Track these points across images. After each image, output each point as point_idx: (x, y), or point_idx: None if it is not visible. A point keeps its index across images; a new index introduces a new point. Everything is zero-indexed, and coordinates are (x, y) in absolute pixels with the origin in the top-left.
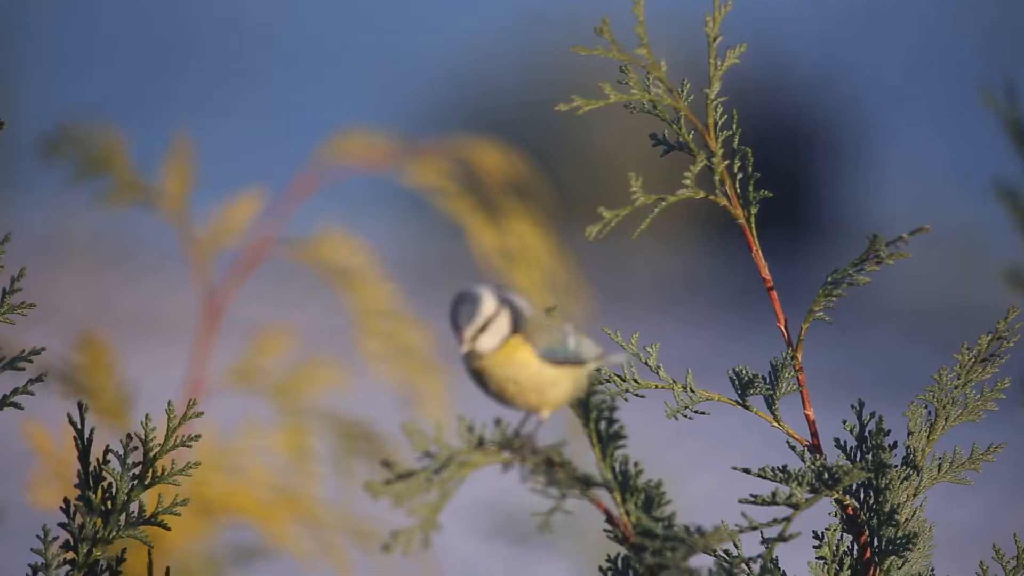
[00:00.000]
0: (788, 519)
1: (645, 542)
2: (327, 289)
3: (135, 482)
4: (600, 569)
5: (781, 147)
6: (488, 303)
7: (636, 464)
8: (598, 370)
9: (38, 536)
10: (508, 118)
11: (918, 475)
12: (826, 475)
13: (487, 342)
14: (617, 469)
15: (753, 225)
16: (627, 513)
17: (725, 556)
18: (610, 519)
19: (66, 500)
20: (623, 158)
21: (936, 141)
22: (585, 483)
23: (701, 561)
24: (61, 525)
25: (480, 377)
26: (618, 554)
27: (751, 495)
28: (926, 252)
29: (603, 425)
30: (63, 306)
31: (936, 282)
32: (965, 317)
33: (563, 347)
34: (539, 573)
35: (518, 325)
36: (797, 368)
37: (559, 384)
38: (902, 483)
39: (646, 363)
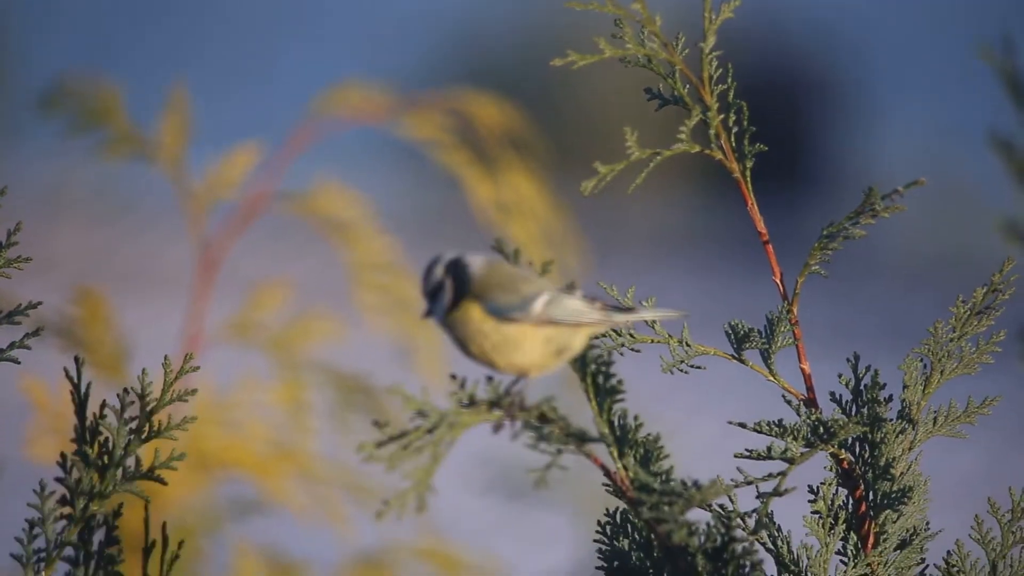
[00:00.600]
0: (783, 473)
1: (642, 496)
2: (324, 242)
3: (132, 437)
4: (598, 523)
5: (778, 98)
6: (438, 270)
7: (636, 418)
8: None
9: (35, 491)
10: (505, 70)
11: (913, 429)
12: (821, 429)
13: (438, 308)
14: (616, 423)
15: (749, 179)
16: (624, 468)
17: (721, 511)
18: (607, 474)
19: (63, 455)
20: (622, 110)
21: (935, 92)
22: (580, 439)
23: (698, 516)
24: (58, 480)
25: (454, 340)
26: (616, 508)
27: (746, 449)
28: (923, 202)
29: (600, 379)
30: (60, 260)
31: (933, 232)
32: (962, 266)
33: (518, 306)
34: (536, 528)
35: (464, 289)
36: (793, 322)
37: (522, 345)
38: (897, 437)
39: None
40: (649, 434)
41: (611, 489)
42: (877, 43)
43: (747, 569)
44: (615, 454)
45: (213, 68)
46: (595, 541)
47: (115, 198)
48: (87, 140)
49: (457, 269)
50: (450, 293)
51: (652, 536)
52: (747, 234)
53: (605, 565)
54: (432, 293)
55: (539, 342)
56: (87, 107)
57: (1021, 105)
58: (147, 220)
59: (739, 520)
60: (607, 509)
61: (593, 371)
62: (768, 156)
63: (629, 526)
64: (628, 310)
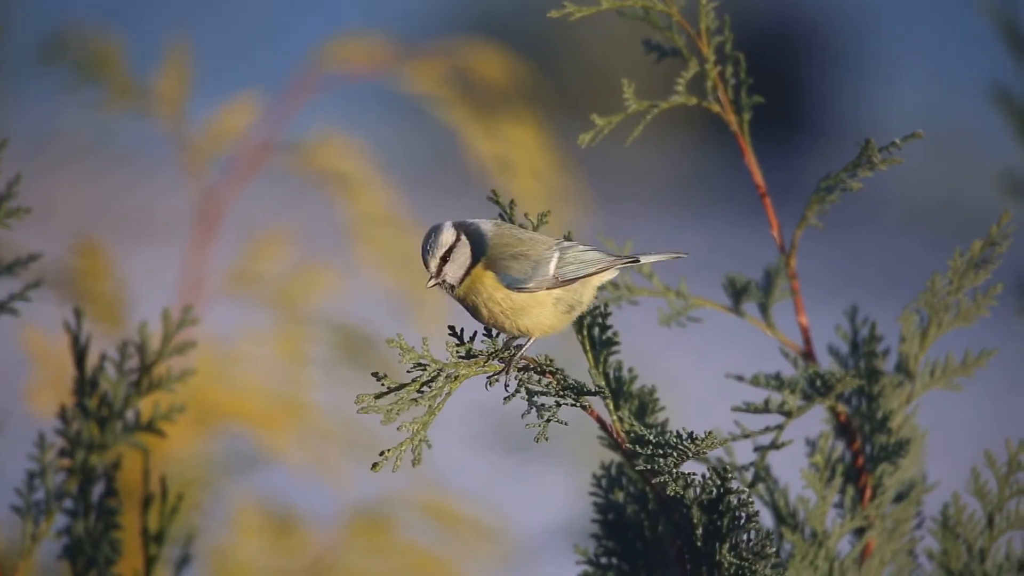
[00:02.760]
0: (781, 427)
1: (637, 448)
2: (323, 194)
3: (132, 389)
4: (594, 476)
5: (776, 48)
6: (447, 234)
7: (631, 371)
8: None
9: (35, 443)
10: (506, 19)
11: (911, 382)
12: (819, 383)
13: (452, 273)
14: (611, 376)
15: (747, 131)
16: (619, 420)
17: (718, 464)
18: (603, 426)
19: (63, 407)
20: (624, 59)
21: (935, 42)
22: (577, 391)
23: (694, 468)
24: (58, 432)
25: (462, 303)
26: (611, 461)
27: (744, 403)
28: (923, 150)
29: (596, 331)
30: (58, 210)
31: (932, 179)
32: (961, 214)
33: (531, 275)
34: (534, 480)
35: (479, 252)
36: (790, 275)
37: (531, 310)
38: (895, 390)
39: (639, 270)
40: (644, 386)
41: (607, 442)
42: None
43: (742, 520)
44: (611, 406)
45: (212, 19)
46: (591, 494)
47: (114, 148)
48: (87, 92)
49: (472, 235)
50: (468, 258)
51: (647, 488)
52: (746, 182)
53: (600, 518)
54: (444, 257)
55: (549, 305)
56: (87, 59)
57: (1020, 58)
58: (146, 171)
59: (735, 472)
60: (602, 462)
61: (589, 323)
62: (766, 106)
63: (624, 479)
64: (633, 260)
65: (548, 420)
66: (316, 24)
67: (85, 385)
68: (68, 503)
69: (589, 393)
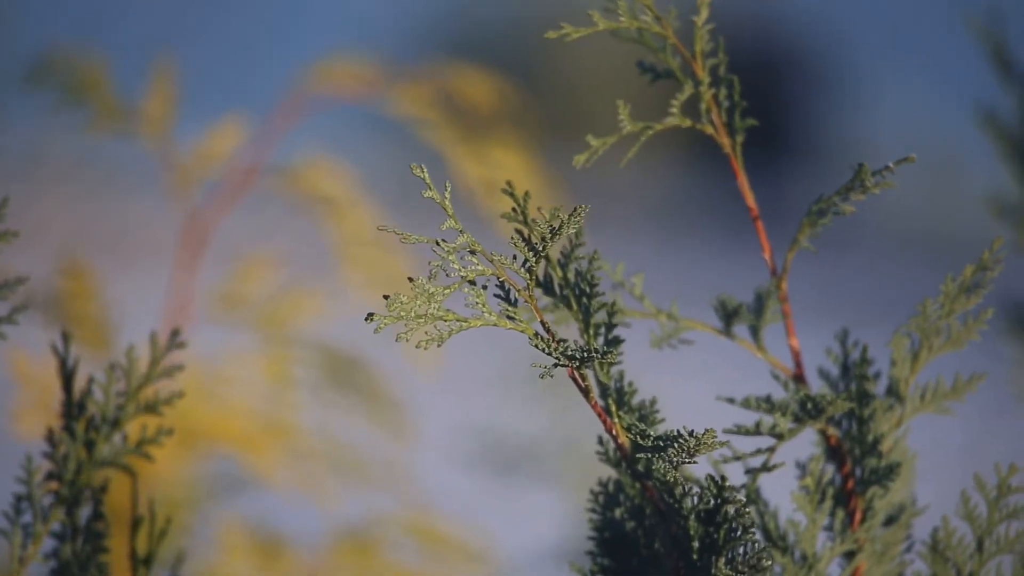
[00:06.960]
0: (772, 449)
1: (639, 441)
2: (308, 216)
3: (119, 412)
4: (591, 492)
5: (765, 70)
6: None
7: (631, 384)
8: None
9: (22, 466)
10: (491, 42)
11: (901, 405)
12: (809, 405)
13: None
14: (612, 386)
15: (739, 154)
16: (619, 418)
17: (712, 478)
18: (602, 420)
19: (50, 429)
20: (605, 84)
21: (923, 64)
22: (583, 355)
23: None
24: (45, 455)
25: None
26: (609, 478)
27: (735, 425)
28: (913, 171)
29: (600, 340)
30: (45, 232)
31: (922, 199)
32: (950, 235)
33: None
34: (523, 503)
35: None
36: (781, 298)
37: None
38: (885, 413)
39: (631, 292)
40: (643, 400)
41: (604, 457)
42: (866, 14)
43: (738, 532)
44: (613, 407)
45: (199, 40)
46: (588, 510)
47: (99, 170)
48: (72, 113)
49: None
50: None
51: (644, 501)
52: (737, 203)
53: (596, 535)
54: None
55: None
56: (73, 81)
57: (1007, 79)
58: (132, 193)
59: (730, 485)
60: (599, 479)
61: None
62: (756, 128)
63: (621, 495)
64: None
65: (554, 366)
66: (302, 47)
67: (72, 408)
68: (56, 526)
69: (593, 358)
